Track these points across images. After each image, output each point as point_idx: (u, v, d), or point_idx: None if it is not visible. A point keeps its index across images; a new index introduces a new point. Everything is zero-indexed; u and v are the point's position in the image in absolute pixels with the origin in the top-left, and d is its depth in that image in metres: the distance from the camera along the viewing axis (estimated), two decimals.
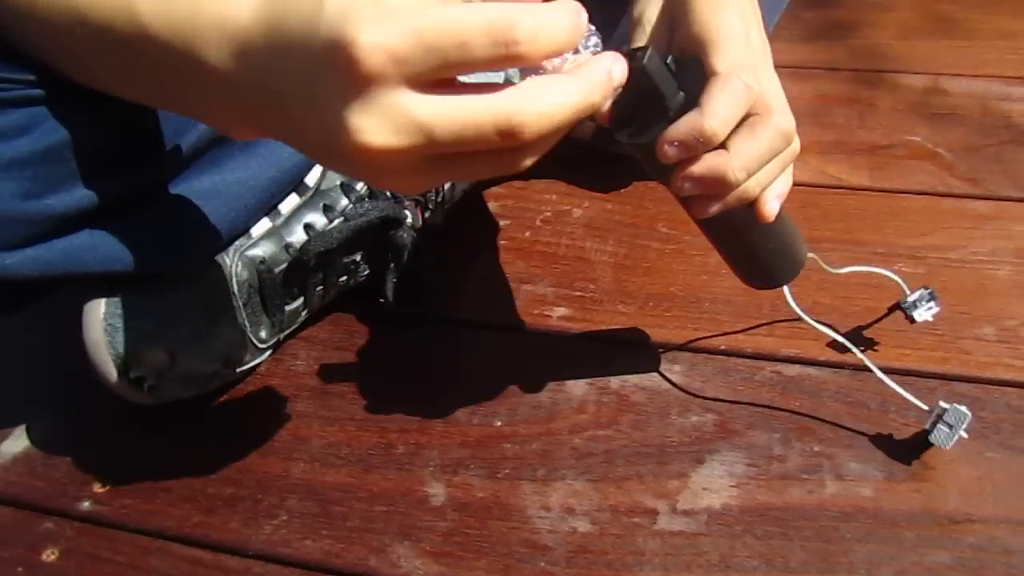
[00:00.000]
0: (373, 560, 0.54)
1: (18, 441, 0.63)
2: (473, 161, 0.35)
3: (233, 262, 0.59)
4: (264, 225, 0.61)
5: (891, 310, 0.65)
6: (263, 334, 0.62)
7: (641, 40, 0.50)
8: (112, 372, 0.55)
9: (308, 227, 0.62)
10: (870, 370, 0.56)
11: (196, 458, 0.60)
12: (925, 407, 0.55)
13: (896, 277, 0.60)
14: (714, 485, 0.56)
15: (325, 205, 0.64)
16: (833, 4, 1.11)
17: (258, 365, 0.65)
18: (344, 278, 0.66)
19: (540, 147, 0.35)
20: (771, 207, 0.48)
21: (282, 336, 0.65)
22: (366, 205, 0.64)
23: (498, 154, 0.35)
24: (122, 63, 0.42)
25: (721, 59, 0.44)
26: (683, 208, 0.49)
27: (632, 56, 0.40)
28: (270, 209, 0.62)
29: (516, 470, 0.58)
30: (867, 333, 0.64)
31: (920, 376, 0.60)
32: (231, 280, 0.59)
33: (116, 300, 0.54)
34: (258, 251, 0.60)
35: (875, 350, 0.63)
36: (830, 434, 0.58)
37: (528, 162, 0.36)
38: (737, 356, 0.64)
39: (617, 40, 0.65)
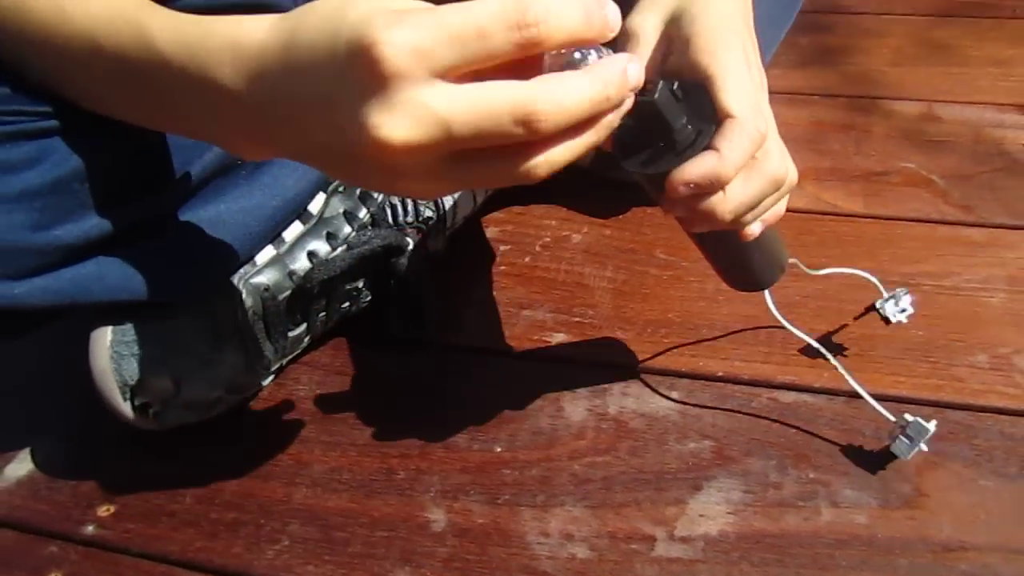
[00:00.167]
0: None
1: (22, 464, 0.64)
2: (490, 164, 0.36)
3: (238, 289, 0.60)
4: (268, 253, 0.62)
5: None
6: (266, 360, 0.62)
7: (633, 52, 0.49)
8: (118, 399, 0.55)
9: (311, 255, 0.63)
10: (863, 398, 0.57)
11: (199, 482, 0.61)
12: (892, 418, 0.57)
13: (872, 278, 0.62)
14: (711, 512, 0.56)
15: (328, 233, 0.65)
16: (827, 30, 1.13)
17: (260, 390, 0.66)
18: (346, 304, 0.67)
19: (557, 149, 0.36)
20: (753, 230, 0.49)
21: (284, 361, 0.66)
22: (369, 233, 0.65)
23: (514, 156, 0.35)
24: (137, 89, 0.43)
25: (730, 97, 0.43)
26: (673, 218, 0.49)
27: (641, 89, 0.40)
28: (274, 237, 0.63)
29: (516, 496, 0.58)
30: (857, 351, 0.66)
31: (914, 403, 0.61)
32: (236, 307, 0.59)
33: (123, 328, 0.55)
34: (262, 279, 0.61)
35: (861, 372, 0.63)
36: (825, 461, 0.59)
37: (543, 169, 0.36)
38: (734, 383, 0.65)
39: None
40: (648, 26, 0.48)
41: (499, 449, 0.62)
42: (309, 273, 0.62)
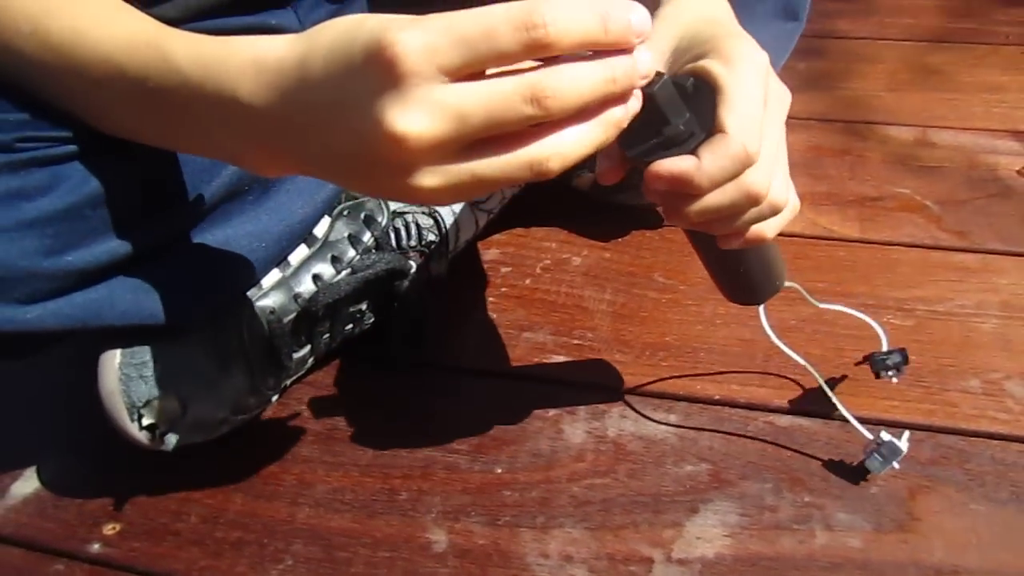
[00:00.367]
0: None
1: (28, 482, 0.64)
2: (504, 155, 0.37)
3: (244, 312, 0.61)
4: (274, 276, 0.63)
5: (865, 359, 0.66)
6: (271, 381, 0.63)
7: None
8: (127, 421, 0.56)
9: (316, 277, 0.65)
10: (851, 422, 0.58)
11: (204, 501, 0.62)
12: (869, 436, 0.59)
13: (878, 327, 0.63)
14: (708, 534, 0.57)
15: (333, 256, 0.66)
16: (823, 55, 1.15)
17: (264, 410, 0.67)
18: (350, 326, 0.68)
19: (568, 140, 0.37)
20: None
21: (288, 382, 0.67)
22: (373, 257, 0.66)
23: (527, 145, 0.36)
24: (158, 108, 0.44)
25: (730, 113, 0.43)
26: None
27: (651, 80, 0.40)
28: (280, 260, 0.64)
29: (516, 517, 0.59)
30: (852, 376, 0.67)
31: (907, 428, 0.62)
32: (242, 330, 0.60)
33: (131, 351, 0.56)
34: (268, 301, 0.62)
35: (856, 396, 0.65)
36: (820, 484, 0.60)
37: (556, 163, 0.37)
38: (731, 406, 0.66)
39: None
40: (668, 24, 0.49)
41: (500, 470, 0.63)
42: (314, 296, 0.63)
